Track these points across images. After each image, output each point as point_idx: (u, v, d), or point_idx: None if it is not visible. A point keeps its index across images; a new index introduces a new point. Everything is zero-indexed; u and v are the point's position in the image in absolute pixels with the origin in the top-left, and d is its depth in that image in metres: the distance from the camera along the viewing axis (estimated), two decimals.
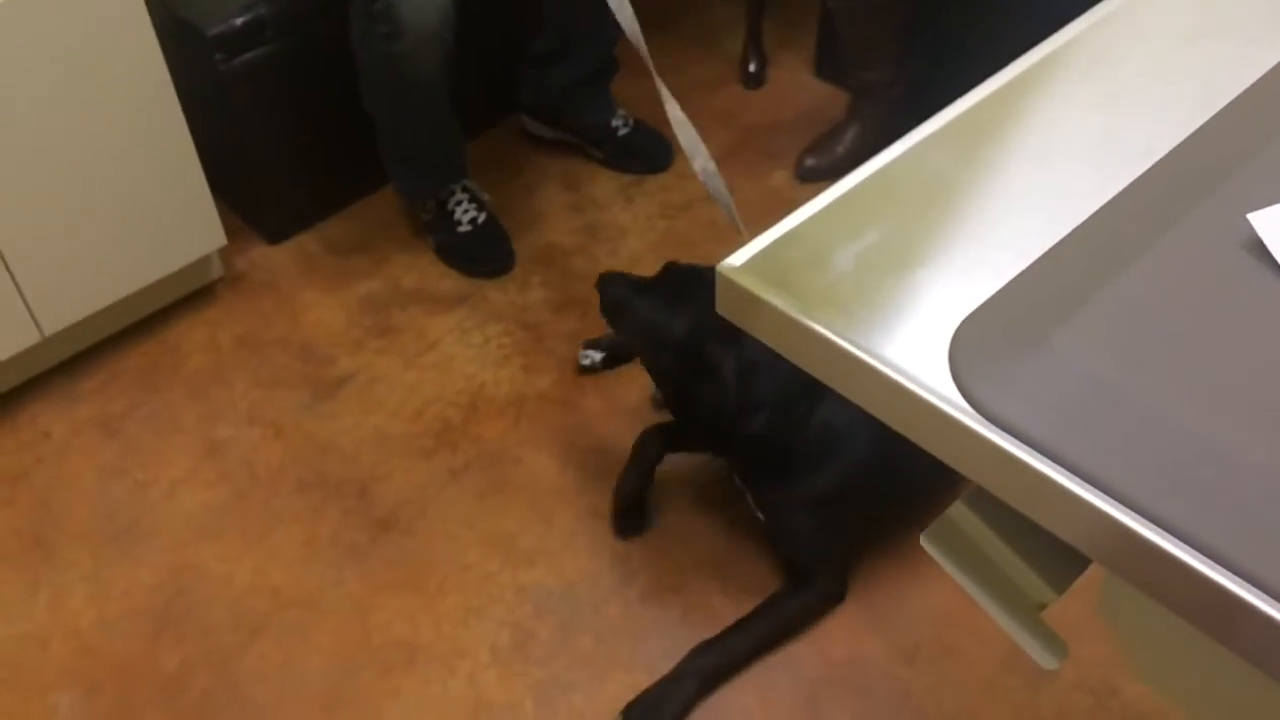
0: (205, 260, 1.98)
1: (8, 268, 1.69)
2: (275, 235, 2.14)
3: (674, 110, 1.52)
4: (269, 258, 2.12)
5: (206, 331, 1.98)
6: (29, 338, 1.77)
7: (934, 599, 1.57)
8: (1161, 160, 0.76)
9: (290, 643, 1.55)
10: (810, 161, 2.21)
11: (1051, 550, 0.72)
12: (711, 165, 1.53)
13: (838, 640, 1.53)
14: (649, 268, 2.05)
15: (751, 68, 2.47)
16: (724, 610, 1.56)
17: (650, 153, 2.28)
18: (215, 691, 1.50)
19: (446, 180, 2.06)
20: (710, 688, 1.47)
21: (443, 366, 1.91)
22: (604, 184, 2.25)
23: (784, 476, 1.52)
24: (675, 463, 1.69)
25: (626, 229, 2.15)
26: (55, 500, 1.73)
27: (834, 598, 1.57)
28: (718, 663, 1.48)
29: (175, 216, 1.86)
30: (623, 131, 2.26)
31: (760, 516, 1.58)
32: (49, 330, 1.79)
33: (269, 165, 2.08)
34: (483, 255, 2.07)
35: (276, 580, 1.62)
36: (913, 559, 1.61)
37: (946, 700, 1.47)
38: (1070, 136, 0.79)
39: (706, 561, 1.63)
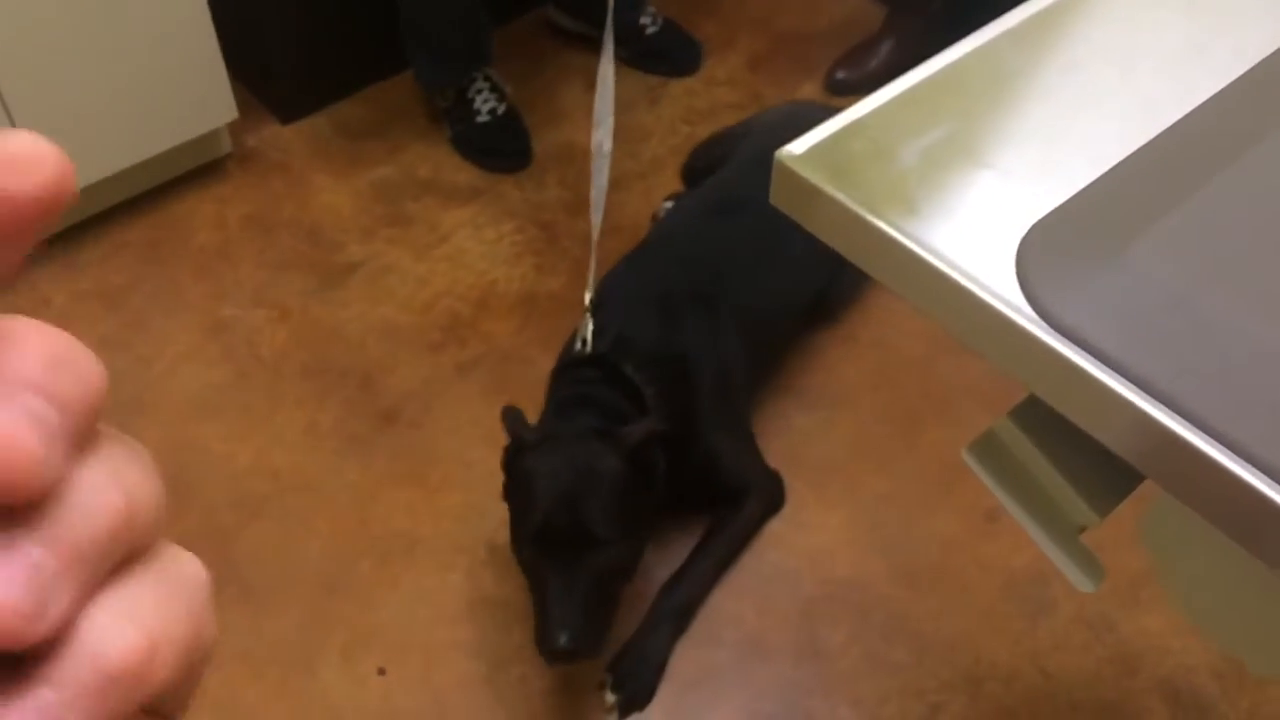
0: (215, 134, 1.93)
1: (12, 124, 1.64)
2: (288, 114, 2.08)
3: (606, 69, 1.42)
4: (281, 137, 2.06)
5: (214, 209, 1.93)
6: None
7: (939, 526, 1.56)
8: (1248, 72, 0.72)
9: (290, 526, 1.54)
10: (841, 74, 2.15)
11: (1097, 471, 0.70)
12: (608, 145, 1.43)
13: (840, 560, 1.53)
14: (670, 173, 2.01)
15: None
16: None
17: (678, 55, 2.21)
18: (213, 569, 1.46)
19: (469, 68, 1.99)
20: (686, 623, 1.45)
21: (454, 260, 1.87)
22: (628, 84, 2.19)
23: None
24: None
25: (649, 132, 2.09)
26: None
27: (775, 496, 1.56)
28: (687, 596, 1.46)
29: (187, 85, 1.80)
30: (651, 30, 2.19)
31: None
32: None
33: (285, 39, 2.02)
34: (500, 148, 2.02)
35: (277, 464, 1.61)
36: (921, 486, 1.60)
37: (944, 625, 1.47)
38: (1154, 42, 0.75)
39: None
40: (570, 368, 1.45)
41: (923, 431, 1.66)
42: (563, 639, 1.21)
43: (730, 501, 1.54)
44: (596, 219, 1.43)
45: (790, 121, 1.72)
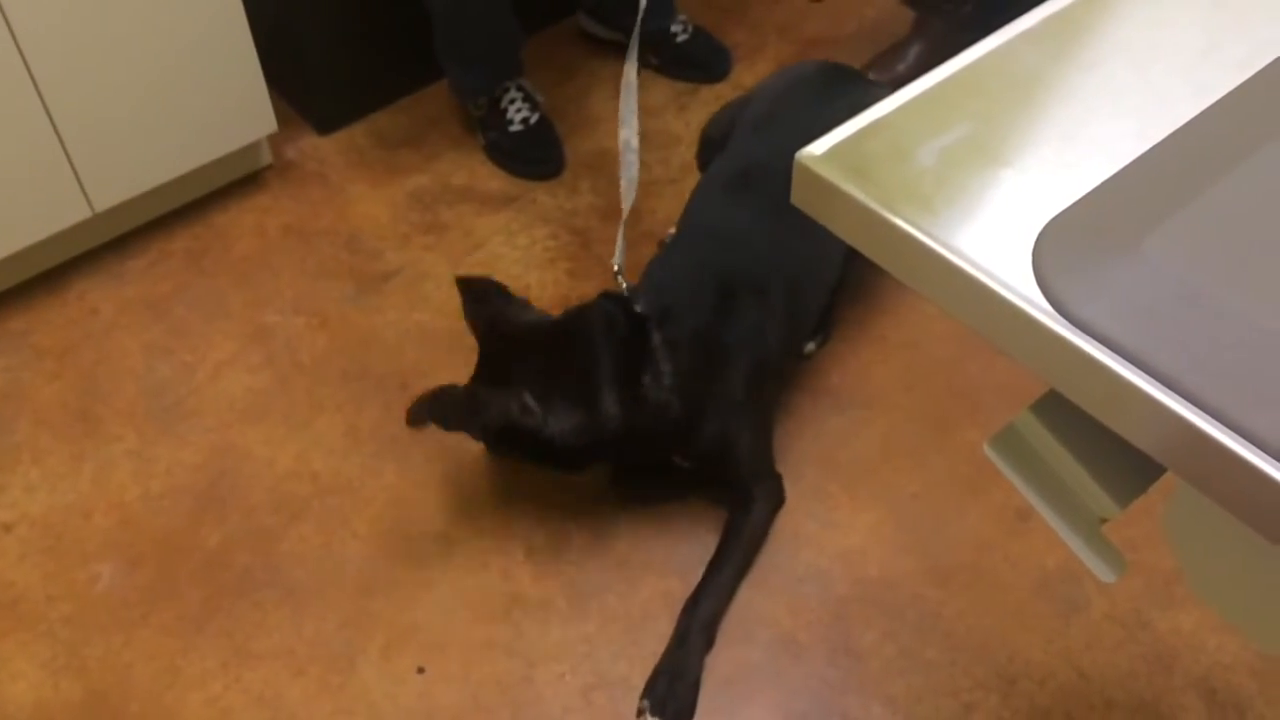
0: (255, 146, 1.97)
1: (62, 143, 1.69)
2: (325, 125, 2.12)
3: (630, 72, 1.48)
4: (318, 148, 2.11)
5: (254, 219, 1.98)
6: (79, 213, 1.78)
7: (971, 525, 1.57)
8: (1262, 71, 0.73)
9: (330, 528, 1.57)
10: (871, 77, 2.16)
11: (1118, 464, 0.71)
12: (635, 141, 1.48)
13: (871, 560, 1.54)
14: (699, 179, 2.03)
15: None
16: None
17: (708, 62, 2.23)
18: (254, 570, 1.53)
19: (501, 77, 2.03)
20: (713, 635, 1.46)
21: (488, 266, 1.90)
22: (658, 91, 2.21)
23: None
24: None
25: (679, 138, 2.12)
26: (101, 376, 1.75)
27: (779, 495, 1.58)
28: (712, 610, 1.47)
29: (228, 100, 1.84)
30: (681, 38, 2.21)
31: (685, 464, 1.55)
32: (99, 207, 1.79)
33: (323, 53, 2.06)
34: (533, 156, 2.05)
35: (317, 467, 1.64)
36: (952, 485, 1.61)
37: (976, 625, 1.47)
38: (1169, 41, 0.76)
39: None
40: (600, 313, 1.46)
41: (953, 432, 1.67)
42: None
43: (738, 498, 1.55)
44: (626, 205, 1.47)
45: (783, 80, 1.74)
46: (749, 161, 1.63)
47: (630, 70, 1.46)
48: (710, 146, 1.79)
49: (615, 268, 1.49)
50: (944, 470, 1.62)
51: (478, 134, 2.09)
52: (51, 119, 1.66)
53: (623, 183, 1.48)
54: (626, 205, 1.47)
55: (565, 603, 1.49)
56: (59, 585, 1.52)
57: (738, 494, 1.56)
